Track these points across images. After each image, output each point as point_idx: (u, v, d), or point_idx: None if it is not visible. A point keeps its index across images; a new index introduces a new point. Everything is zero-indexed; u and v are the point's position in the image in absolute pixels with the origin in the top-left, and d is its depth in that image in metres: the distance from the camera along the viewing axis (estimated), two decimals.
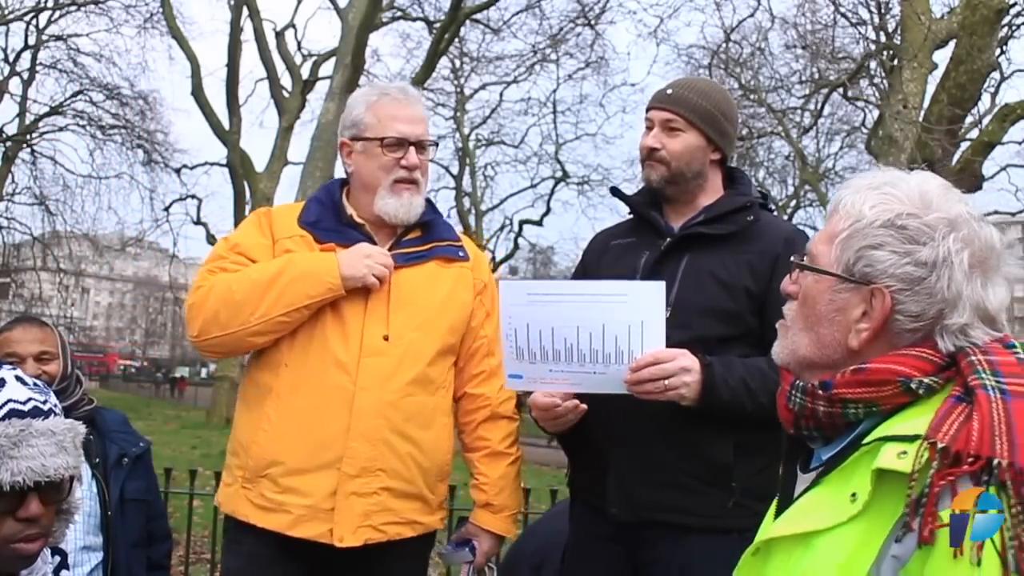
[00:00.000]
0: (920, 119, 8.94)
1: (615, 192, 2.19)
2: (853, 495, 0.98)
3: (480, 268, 2.21)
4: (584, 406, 1.86)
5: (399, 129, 2.06)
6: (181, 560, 4.32)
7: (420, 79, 15.26)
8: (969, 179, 9.92)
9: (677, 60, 17.85)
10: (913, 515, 0.92)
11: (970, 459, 0.91)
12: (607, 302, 1.76)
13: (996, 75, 13.70)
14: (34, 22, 20.36)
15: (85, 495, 2.18)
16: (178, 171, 20.69)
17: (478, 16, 18.17)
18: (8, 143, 20.45)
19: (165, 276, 27.53)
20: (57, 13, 20.39)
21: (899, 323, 1.05)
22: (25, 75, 20.93)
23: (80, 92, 20.52)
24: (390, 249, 2.07)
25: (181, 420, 19.49)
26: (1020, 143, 15.38)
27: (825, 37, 15.80)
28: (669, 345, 1.75)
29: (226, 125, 17.71)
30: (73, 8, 20.00)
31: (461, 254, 2.16)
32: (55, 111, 20.60)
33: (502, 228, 28.71)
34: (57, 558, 1.49)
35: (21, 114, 20.80)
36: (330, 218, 2.09)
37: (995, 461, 0.90)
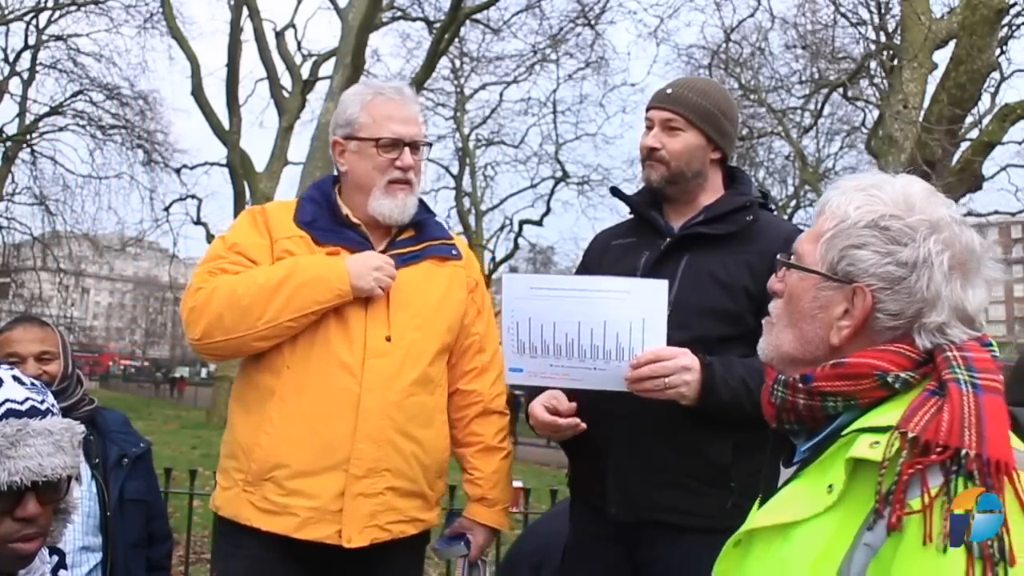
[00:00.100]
0: (920, 119, 8.94)
1: (615, 192, 2.19)
2: (830, 487, 1.01)
3: (471, 266, 2.22)
4: (583, 425, 1.86)
5: (394, 130, 2.05)
6: (181, 560, 4.32)
7: (420, 79, 15.26)
8: (969, 179, 9.92)
9: (677, 60, 17.89)
10: (883, 503, 0.95)
11: (939, 449, 0.94)
12: (609, 298, 1.77)
13: (996, 75, 13.70)
14: (34, 22, 20.40)
15: (85, 495, 2.18)
16: (178, 171, 20.72)
17: (478, 16, 18.18)
18: (8, 143, 20.46)
19: (165, 276, 27.56)
20: (57, 13, 20.41)
21: (879, 321, 1.08)
22: (25, 75, 20.97)
23: (80, 92, 20.54)
24: (385, 249, 2.08)
25: (181, 420, 19.50)
26: (1020, 143, 15.39)
27: (825, 37, 15.82)
28: (668, 345, 1.75)
29: (226, 125, 17.71)
30: (73, 8, 20.01)
31: (454, 252, 2.17)
32: (55, 111, 20.61)
33: (502, 228, 28.76)
34: (55, 557, 1.49)
35: (21, 114, 20.82)
36: (326, 218, 2.07)
37: (963, 451, 0.93)
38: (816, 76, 16.42)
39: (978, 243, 1.09)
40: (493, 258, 28.68)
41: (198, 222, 21.12)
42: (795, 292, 1.16)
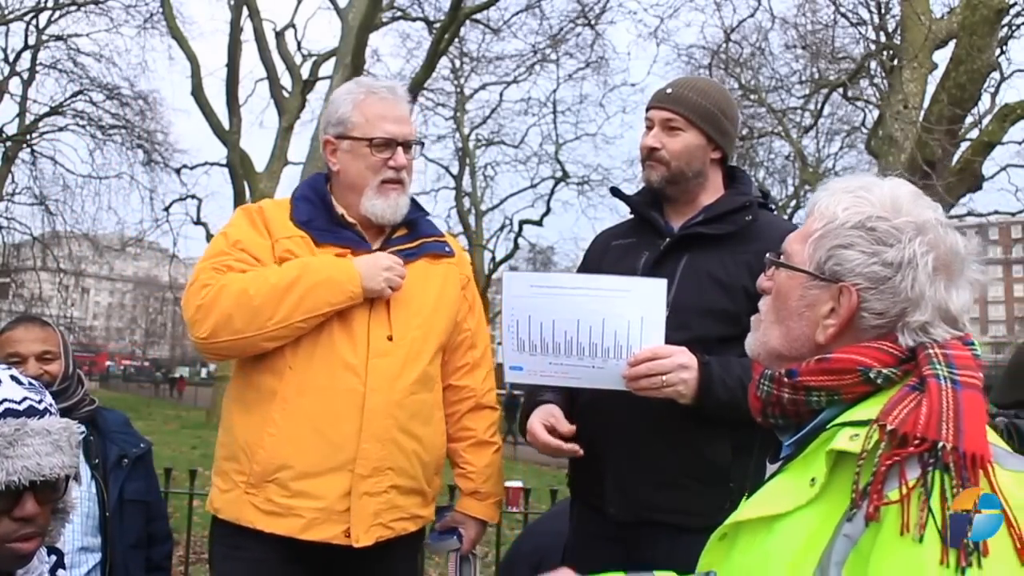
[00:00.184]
0: (920, 119, 8.94)
1: (615, 192, 2.19)
2: (812, 480, 1.04)
3: (463, 263, 2.24)
4: (581, 451, 1.87)
5: (388, 129, 2.05)
6: (181, 560, 4.32)
7: (420, 79, 15.26)
8: (969, 179, 9.91)
9: (677, 60, 17.87)
10: (861, 494, 0.97)
11: (916, 441, 0.97)
12: (608, 297, 1.77)
13: (996, 75, 13.69)
14: (34, 22, 20.39)
15: (84, 496, 2.18)
16: (178, 171, 20.71)
17: (478, 16, 18.16)
18: (8, 143, 20.45)
19: (165, 276, 27.55)
20: (57, 13, 20.40)
21: (864, 320, 1.10)
22: (25, 75, 20.96)
23: (80, 92, 20.53)
24: (382, 248, 2.08)
25: (181, 420, 19.52)
26: (1020, 143, 15.38)
27: (825, 37, 15.82)
28: (668, 345, 1.75)
29: (226, 125, 17.71)
30: (73, 8, 20.01)
31: (447, 250, 2.18)
32: (55, 111, 20.60)
33: (502, 228, 28.79)
34: (53, 557, 1.49)
35: (21, 114, 20.81)
36: (322, 218, 2.06)
37: (940, 444, 0.95)
38: (816, 76, 16.42)
39: (962, 245, 1.11)
40: (493, 258, 28.72)
41: (198, 222, 21.13)
42: (783, 290, 1.18)
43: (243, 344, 1.92)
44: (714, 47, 16.63)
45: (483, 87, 24.27)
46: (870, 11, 15.23)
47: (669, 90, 2.03)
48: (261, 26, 17.59)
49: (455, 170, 26.95)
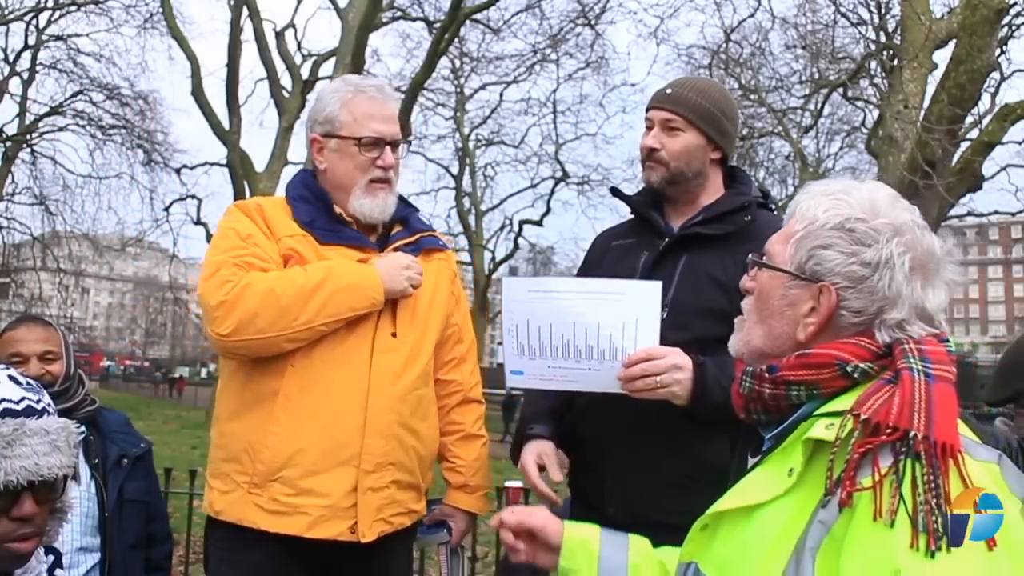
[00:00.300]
0: (920, 119, 8.93)
1: (615, 192, 2.19)
2: (791, 470, 1.08)
3: (451, 257, 2.27)
4: (558, 502, 1.92)
5: (376, 128, 2.05)
6: (181, 560, 4.32)
7: (420, 79, 15.24)
8: (969, 179, 9.91)
9: (677, 60, 17.88)
10: (834, 481, 1.00)
11: (889, 430, 1.00)
12: (604, 300, 1.78)
13: (996, 75, 13.71)
14: (34, 22, 20.36)
15: (84, 495, 2.17)
16: (178, 171, 20.67)
17: (478, 16, 18.14)
18: (8, 143, 20.44)
19: (165, 276, 27.48)
20: (57, 13, 20.38)
21: (843, 318, 1.14)
22: (25, 75, 20.93)
23: (80, 92, 20.51)
24: (383, 245, 2.09)
25: (181, 420, 19.53)
26: (1020, 143, 15.42)
27: (825, 37, 15.83)
28: (667, 345, 1.76)
29: (226, 125, 17.70)
30: (73, 8, 19.99)
31: (441, 244, 2.20)
32: (55, 111, 20.58)
33: (502, 228, 28.79)
34: (51, 557, 1.49)
35: (21, 114, 20.78)
36: (323, 217, 2.05)
37: (911, 433, 0.99)
38: (816, 76, 16.43)
39: (938, 247, 1.15)
40: (493, 258, 28.72)
41: (198, 222, 21.10)
42: (765, 290, 1.22)
43: (264, 344, 1.89)
44: (714, 47, 16.65)
45: (483, 87, 24.28)
46: (870, 11, 15.25)
47: (669, 90, 2.03)
48: (261, 26, 17.57)
49: (455, 170, 26.98)
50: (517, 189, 36.47)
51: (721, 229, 1.94)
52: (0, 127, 20.29)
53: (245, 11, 16.83)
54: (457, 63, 22.77)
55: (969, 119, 11.21)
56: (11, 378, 1.37)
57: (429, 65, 15.24)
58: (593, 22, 18.85)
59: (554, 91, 25.19)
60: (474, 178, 27.67)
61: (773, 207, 2.14)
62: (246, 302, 1.86)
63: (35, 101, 20.99)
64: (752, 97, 16.38)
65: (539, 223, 27.18)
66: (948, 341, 1.13)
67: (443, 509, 2.19)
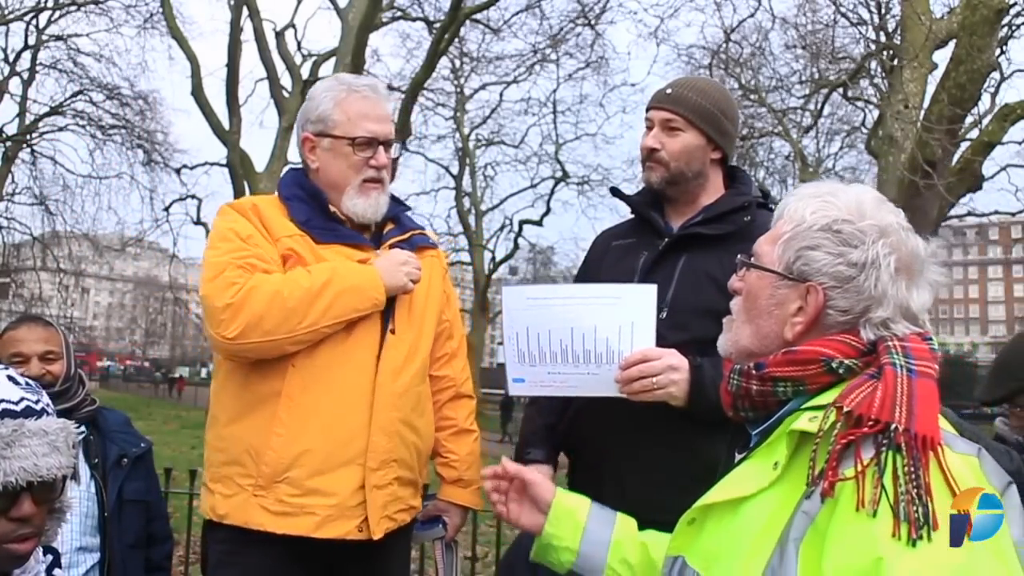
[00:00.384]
0: (920, 119, 8.93)
1: (615, 192, 2.19)
2: (776, 463, 1.11)
3: (440, 254, 2.28)
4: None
5: (370, 128, 2.04)
6: (181, 560, 4.33)
7: (420, 79, 15.24)
8: (969, 179, 9.92)
9: (677, 60, 17.86)
10: (816, 472, 1.03)
11: (871, 422, 1.03)
12: (600, 304, 1.79)
13: (996, 75, 13.70)
14: (34, 22, 20.34)
15: (83, 495, 2.18)
16: (178, 171, 20.64)
17: (478, 16, 18.13)
18: (8, 143, 20.43)
19: (165, 276, 27.50)
20: (57, 13, 20.36)
21: (830, 317, 1.17)
22: (25, 75, 20.91)
23: (80, 92, 20.49)
24: (376, 243, 2.09)
25: (181, 420, 19.52)
26: (1020, 143, 15.41)
27: (825, 37, 15.82)
28: (668, 346, 1.76)
29: (226, 125, 17.69)
30: (73, 8, 19.97)
31: (431, 241, 2.21)
32: (55, 111, 20.57)
33: (502, 228, 28.77)
34: (49, 556, 1.48)
35: (21, 114, 20.77)
36: (319, 216, 2.05)
37: (893, 426, 1.01)
38: (816, 76, 16.43)
39: (923, 249, 1.18)
40: (493, 258, 28.72)
41: (198, 222, 21.07)
42: (753, 290, 1.25)
43: (269, 346, 1.88)
44: (714, 47, 16.64)
45: (483, 87, 24.26)
46: (870, 11, 15.25)
47: (669, 90, 2.03)
48: (261, 26, 17.57)
49: (455, 170, 26.95)
50: (517, 189, 36.46)
51: (721, 229, 1.94)
52: (0, 127, 20.30)
53: (245, 11, 16.82)
54: (457, 63, 22.76)
55: (969, 119, 11.21)
56: (10, 378, 1.36)
57: (429, 65, 15.24)
58: (593, 22, 18.84)
59: (554, 91, 25.18)
60: (474, 178, 27.66)
61: (773, 207, 2.13)
62: (253, 305, 1.85)
63: (35, 101, 20.99)
64: (752, 97, 16.38)
65: (539, 223, 27.18)
66: (931, 339, 1.16)
67: (437, 504, 2.20)
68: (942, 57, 10.05)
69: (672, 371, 1.73)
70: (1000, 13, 8.04)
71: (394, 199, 2.17)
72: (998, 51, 10.79)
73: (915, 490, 0.97)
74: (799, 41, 16.14)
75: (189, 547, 4.12)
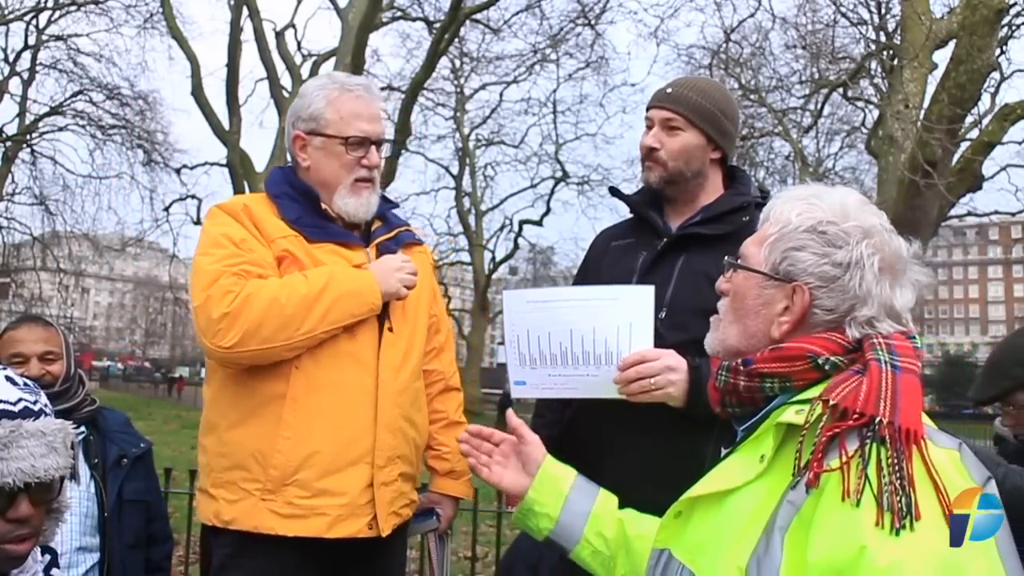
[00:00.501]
0: (920, 119, 8.94)
1: (614, 192, 2.19)
2: (762, 456, 1.13)
3: (428, 250, 2.30)
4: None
5: (362, 128, 2.04)
6: (181, 560, 4.33)
7: (420, 79, 15.25)
8: (969, 179, 9.92)
9: (677, 60, 17.86)
10: (803, 464, 1.05)
11: (856, 415, 1.05)
12: (598, 306, 1.80)
13: (996, 75, 13.70)
14: (34, 22, 20.36)
15: (83, 495, 2.18)
16: (178, 171, 20.64)
17: (478, 16, 18.14)
18: (8, 143, 20.44)
19: (165, 276, 27.53)
20: (57, 13, 20.37)
21: (816, 316, 1.20)
22: (25, 75, 20.92)
23: (80, 92, 20.49)
24: (366, 242, 2.09)
25: (181, 420, 19.50)
26: (1020, 143, 15.40)
27: (825, 37, 15.82)
28: (666, 346, 1.76)
29: (226, 125, 17.69)
30: (73, 8, 19.97)
31: (417, 238, 2.23)
32: (55, 111, 20.57)
33: (502, 228, 28.80)
34: (47, 556, 1.49)
35: (21, 114, 20.78)
36: (309, 215, 2.04)
37: (877, 419, 1.04)
38: (816, 76, 16.42)
39: (905, 249, 1.21)
40: (493, 258, 28.73)
41: (198, 222, 21.03)
42: (740, 290, 1.28)
43: (268, 353, 1.87)
44: (714, 47, 16.64)
45: (483, 87, 24.28)
46: (870, 11, 15.26)
47: (669, 90, 2.02)
48: (261, 26, 17.57)
49: (455, 170, 26.97)
50: (517, 189, 36.51)
51: (719, 229, 1.94)
52: (0, 127, 20.30)
53: (245, 11, 16.81)
54: (457, 63, 22.78)
55: (969, 119, 11.21)
56: (8, 379, 1.36)
57: (429, 65, 15.24)
58: (593, 22, 18.85)
59: (554, 91, 25.24)
60: (474, 178, 27.68)
61: None
62: (250, 313, 1.83)
63: (35, 101, 21.00)
64: (752, 97, 16.37)
65: (539, 223, 27.20)
66: (915, 338, 1.19)
67: (430, 497, 2.22)
68: (942, 57, 10.05)
69: (670, 372, 1.73)
70: (1000, 13, 8.03)
71: (383, 198, 2.18)
72: (998, 51, 10.78)
73: (898, 481, 0.99)
74: (799, 41, 16.14)
75: (189, 547, 4.12)
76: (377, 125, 2.07)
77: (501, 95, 24.42)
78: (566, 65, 22.16)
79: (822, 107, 17.16)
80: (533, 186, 27.43)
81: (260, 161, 18.07)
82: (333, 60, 16.04)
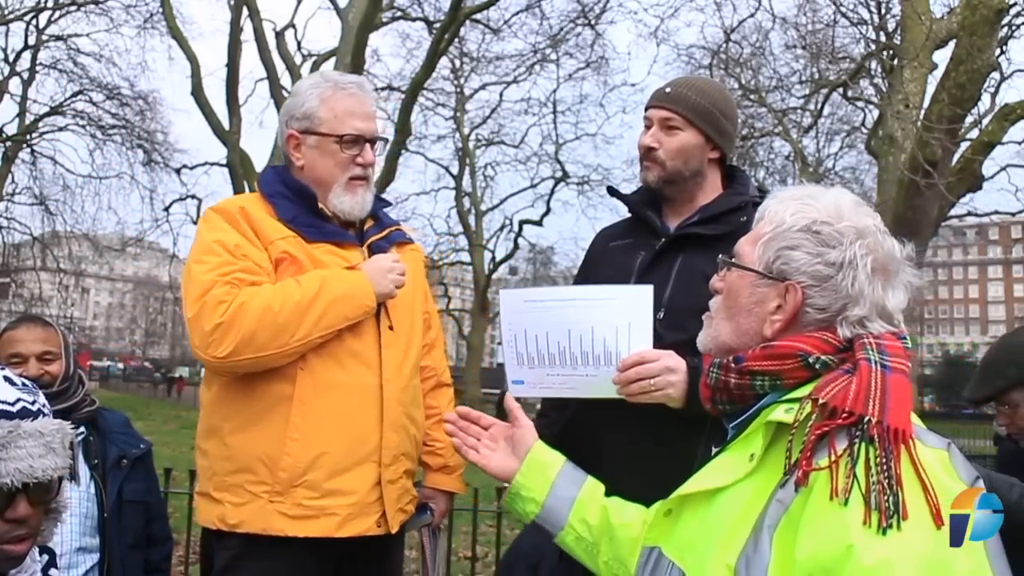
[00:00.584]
0: (920, 119, 8.94)
1: (612, 192, 2.18)
2: (751, 455, 1.14)
3: (419, 249, 2.32)
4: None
5: (357, 126, 2.04)
6: (181, 560, 4.33)
7: (420, 79, 15.24)
8: (969, 179, 9.92)
9: (677, 60, 17.87)
10: (792, 462, 1.06)
11: (844, 414, 1.06)
12: (597, 306, 1.79)
13: (996, 75, 13.70)
14: (34, 22, 20.37)
15: (83, 496, 2.18)
16: (178, 171, 20.64)
17: (478, 16, 18.14)
18: (8, 143, 20.45)
19: (165, 276, 27.54)
20: (57, 13, 20.38)
21: (808, 315, 1.20)
22: (25, 75, 20.94)
23: (80, 92, 20.50)
24: (361, 241, 2.10)
25: (181, 420, 19.48)
26: (1020, 143, 15.40)
27: (825, 37, 15.82)
28: (665, 346, 1.75)
29: (226, 125, 17.70)
30: (73, 8, 19.98)
31: (408, 237, 2.24)
32: (55, 111, 20.58)
33: (502, 228, 28.79)
34: (45, 556, 1.48)
35: (21, 114, 20.79)
36: (303, 213, 2.03)
37: (866, 418, 1.05)
38: (816, 76, 16.43)
39: (898, 251, 1.22)
40: (493, 258, 28.72)
41: (198, 222, 21.06)
42: (734, 289, 1.29)
43: (263, 361, 1.86)
44: (714, 47, 16.65)
45: (483, 87, 24.28)
46: (870, 11, 15.26)
47: (668, 89, 2.02)
48: (261, 26, 17.56)
49: (455, 170, 26.97)
50: (517, 189, 36.50)
51: (717, 229, 1.93)
52: (0, 127, 20.30)
53: (245, 11, 16.81)
54: (457, 63, 22.78)
55: (969, 119, 11.22)
56: (6, 379, 1.36)
57: (429, 65, 15.24)
58: (593, 22, 18.85)
59: (554, 91, 25.18)
60: (474, 178, 27.67)
61: None
62: (242, 322, 1.83)
63: (35, 101, 21.02)
64: (752, 97, 16.38)
65: (539, 223, 27.20)
66: (906, 338, 1.19)
67: (424, 492, 2.23)
68: (942, 57, 10.06)
69: (670, 372, 1.73)
70: (1000, 13, 8.04)
71: (375, 196, 2.18)
72: (998, 51, 10.79)
73: (886, 480, 0.99)
74: (799, 41, 16.14)
75: (189, 547, 4.11)
76: (371, 123, 2.07)
77: (501, 95, 24.44)
78: (566, 65, 22.18)
79: (822, 107, 17.18)
80: (533, 186, 27.45)
81: (260, 161, 18.05)
82: (333, 60, 16.04)
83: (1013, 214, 17.93)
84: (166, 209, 20.62)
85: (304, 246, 1.99)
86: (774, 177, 19.59)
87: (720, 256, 1.33)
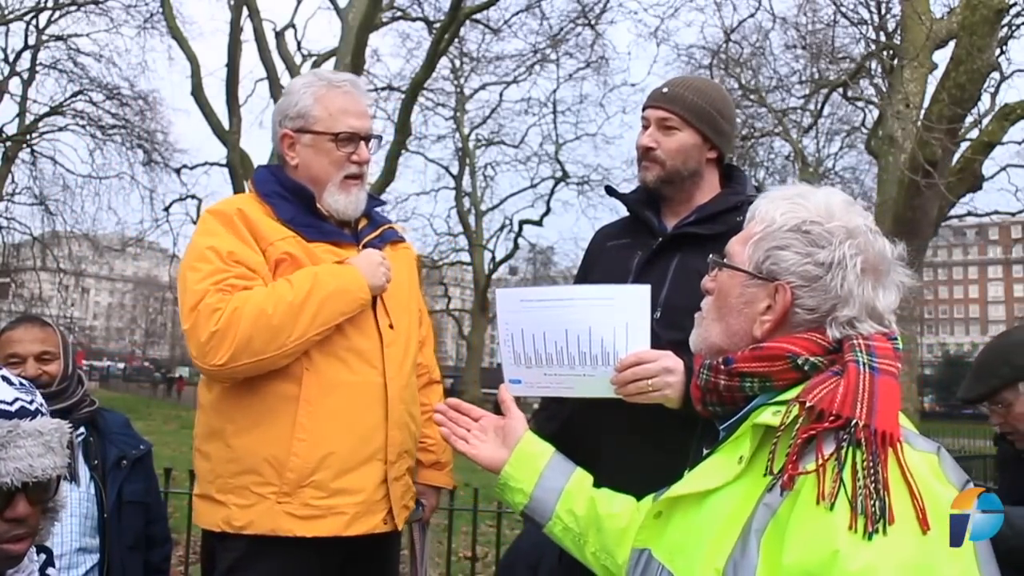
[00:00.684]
0: (920, 119, 8.94)
1: (610, 191, 2.18)
2: (740, 458, 1.14)
3: (411, 247, 2.33)
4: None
5: (351, 124, 2.04)
6: (181, 560, 4.33)
7: (420, 79, 15.25)
8: (969, 179, 9.93)
9: (677, 60, 17.88)
10: (774, 465, 1.06)
11: (832, 417, 1.05)
12: (594, 305, 1.79)
13: (996, 75, 13.70)
14: (34, 22, 20.40)
15: (83, 496, 2.17)
16: (178, 171, 20.66)
17: (478, 16, 18.15)
18: (8, 143, 20.46)
19: (165, 276, 27.54)
20: (57, 13, 20.40)
21: (797, 316, 1.19)
22: (25, 75, 20.97)
23: (80, 92, 20.54)
24: (356, 239, 2.10)
25: (181, 420, 19.48)
26: (1020, 143, 15.41)
27: (825, 37, 15.83)
28: (662, 346, 1.75)
29: (226, 125, 17.70)
30: (73, 8, 20.00)
31: (400, 235, 2.24)
32: (55, 111, 20.61)
33: (502, 228, 28.82)
34: (43, 556, 1.49)
35: (21, 114, 20.82)
36: (301, 213, 2.03)
37: (853, 421, 1.04)
38: (816, 76, 16.44)
39: (889, 251, 1.21)
40: (493, 258, 28.73)
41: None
42: (724, 289, 1.28)
43: (262, 364, 1.86)
44: (714, 47, 16.65)
45: (483, 87, 24.31)
46: (870, 11, 15.27)
47: (665, 89, 2.02)
48: (261, 26, 17.56)
49: (455, 170, 27.00)
50: (517, 189, 36.50)
51: (714, 229, 1.93)
52: (0, 127, 20.31)
53: (245, 11, 16.81)
54: (457, 63, 22.79)
55: (969, 119, 11.22)
56: (4, 379, 1.37)
57: (429, 65, 15.25)
58: (593, 22, 18.87)
59: (554, 91, 25.24)
60: (474, 178, 27.69)
61: None
62: (237, 328, 1.82)
63: (35, 101, 21.06)
64: (752, 97, 16.38)
65: (539, 223, 27.23)
66: (896, 339, 1.18)
67: (415, 487, 2.23)
68: (942, 57, 10.06)
69: (668, 373, 1.72)
70: (1000, 13, 8.04)
71: (368, 195, 2.18)
72: (998, 51, 10.79)
73: (873, 485, 0.99)
74: (799, 41, 16.15)
75: (189, 547, 4.11)
76: (366, 121, 2.07)
77: (501, 95, 24.47)
78: (566, 65, 22.21)
79: (822, 107, 17.20)
80: (533, 186, 27.49)
81: (260, 161, 18.02)
82: (333, 60, 16.04)
83: (1013, 214, 17.93)
84: (166, 209, 20.64)
85: (304, 246, 1.99)
86: (774, 177, 19.59)
87: (711, 256, 1.33)
